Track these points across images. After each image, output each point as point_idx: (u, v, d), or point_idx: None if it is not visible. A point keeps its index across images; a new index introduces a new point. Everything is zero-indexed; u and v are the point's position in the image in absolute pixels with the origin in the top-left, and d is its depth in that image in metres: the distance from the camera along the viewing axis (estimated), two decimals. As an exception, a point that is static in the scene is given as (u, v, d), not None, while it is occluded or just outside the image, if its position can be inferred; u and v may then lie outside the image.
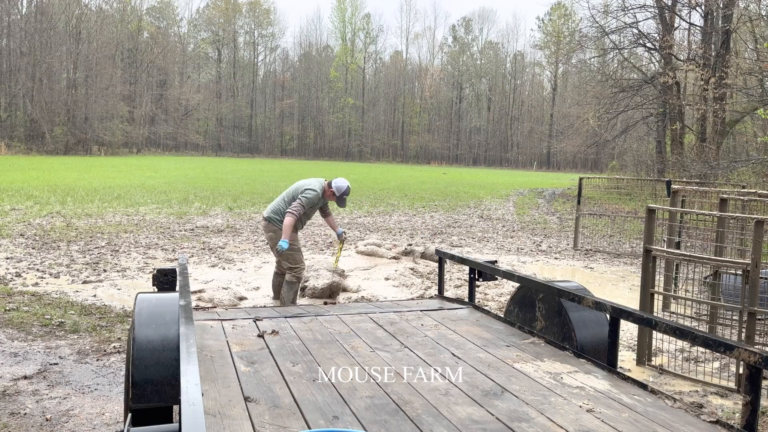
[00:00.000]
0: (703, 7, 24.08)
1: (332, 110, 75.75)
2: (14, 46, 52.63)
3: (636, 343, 5.29)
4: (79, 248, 9.55)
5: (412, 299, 5.37)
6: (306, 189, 6.08)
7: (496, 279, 4.42)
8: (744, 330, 4.60)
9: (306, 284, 7.11)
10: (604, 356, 3.10)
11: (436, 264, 6.75)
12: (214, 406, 2.41)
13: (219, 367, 2.86)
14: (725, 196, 6.02)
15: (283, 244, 5.90)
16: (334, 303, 5.19)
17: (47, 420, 3.74)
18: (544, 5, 79.75)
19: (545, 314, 3.67)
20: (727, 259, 5.43)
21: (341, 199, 6.19)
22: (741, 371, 4.40)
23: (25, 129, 50.67)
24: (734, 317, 5.59)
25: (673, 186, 7.24)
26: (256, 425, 2.27)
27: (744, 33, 23.06)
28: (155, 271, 3.63)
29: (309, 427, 2.27)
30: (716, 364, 5.14)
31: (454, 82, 79.00)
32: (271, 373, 2.83)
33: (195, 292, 6.79)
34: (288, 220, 5.91)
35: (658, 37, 25.34)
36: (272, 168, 40.56)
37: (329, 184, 6.20)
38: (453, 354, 3.21)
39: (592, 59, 36.17)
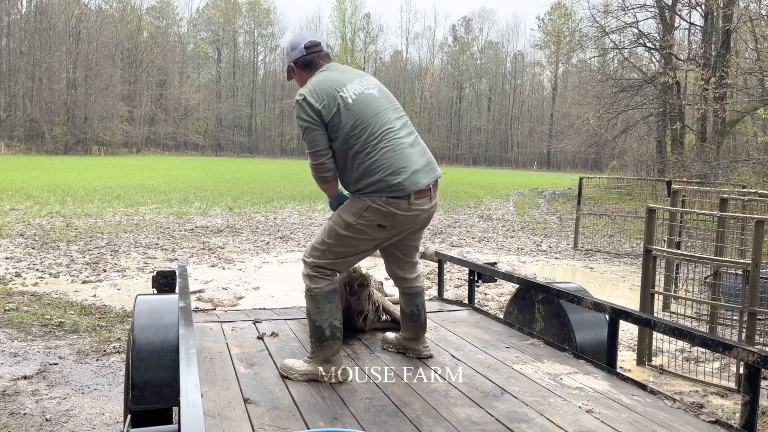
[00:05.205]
0: (703, 6, 24.09)
1: (332, 110, 75.66)
2: (14, 45, 52.67)
3: (636, 343, 5.29)
4: (79, 248, 9.55)
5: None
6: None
7: (496, 281, 4.41)
8: (744, 330, 4.60)
9: None
10: (604, 357, 3.10)
11: (436, 264, 6.74)
12: (214, 408, 2.41)
13: (218, 369, 2.86)
14: (725, 196, 6.01)
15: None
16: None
17: (47, 420, 3.74)
18: (544, 5, 79.80)
19: (544, 315, 3.67)
20: (727, 259, 5.43)
21: (307, 61, 2.93)
22: (741, 371, 4.40)
23: (24, 129, 50.69)
24: (734, 317, 5.59)
25: (673, 186, 7.23)
26: (255, 426, 2.26)
27: (744, 33, 23.05)
28: (155, 273, 3.62)
29: (308, 428, 2.27)
30: (716, 365, 5.13)
31: (454, 82, 78.97)
32: (271, 374, 2.83)
33: (195, 292, 6.79)
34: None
35: (658, 37, 25.33)
36: (272, 168, 40.54)
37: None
38: (452, 355, 3.21)
39: (592, 59, 36.20)
